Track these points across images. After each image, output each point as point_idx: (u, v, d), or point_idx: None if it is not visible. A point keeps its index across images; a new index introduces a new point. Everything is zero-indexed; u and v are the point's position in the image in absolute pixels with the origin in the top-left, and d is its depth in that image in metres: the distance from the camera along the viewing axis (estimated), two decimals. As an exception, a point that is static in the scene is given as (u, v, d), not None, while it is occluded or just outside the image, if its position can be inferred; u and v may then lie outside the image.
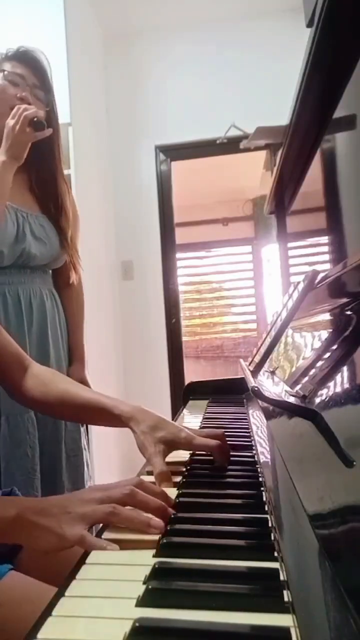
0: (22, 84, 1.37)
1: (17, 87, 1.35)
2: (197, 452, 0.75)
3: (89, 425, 1.65)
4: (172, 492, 0.60)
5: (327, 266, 0.93)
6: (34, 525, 0.52)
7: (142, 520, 0.50)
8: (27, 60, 1.39)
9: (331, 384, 0.45)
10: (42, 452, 1.33)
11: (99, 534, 0.50)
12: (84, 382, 1.52)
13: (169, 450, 0.69)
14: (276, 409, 0.62)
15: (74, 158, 2.29)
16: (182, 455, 0.76)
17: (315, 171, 1.02)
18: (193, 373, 3.71)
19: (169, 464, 0.68)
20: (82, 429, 1.47)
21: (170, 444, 0.69)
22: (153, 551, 0.45)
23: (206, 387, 1.40)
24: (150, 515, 0.51)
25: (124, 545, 0.48)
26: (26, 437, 1.28)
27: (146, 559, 0.43)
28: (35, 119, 1.27)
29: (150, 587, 0.38)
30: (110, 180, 3.05)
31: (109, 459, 2.49)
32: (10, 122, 1.26)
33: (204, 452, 0.73)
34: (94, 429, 2.03)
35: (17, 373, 0.86)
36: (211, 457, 0.71)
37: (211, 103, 2.98)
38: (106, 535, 0.50)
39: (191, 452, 0.75)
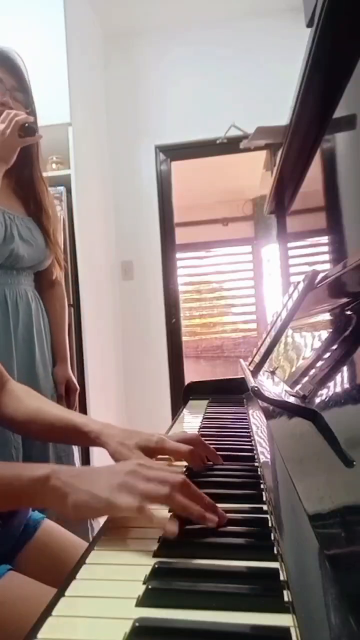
0: (1, 87, 1.35)
1: None
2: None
3: None
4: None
5: (327, 266, 0.93)
6: (70, 488, 0.49)
7: (200, 511, 0.48)
8: (2, 61, 1.36)
9: (331, 384, 0.45)
10: (30, 454, 1.33)
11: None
12: (69, 381, 1.53)
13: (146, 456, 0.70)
14: (276, 409, 0.62)
15: (74, 158, 2.29)
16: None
17: (315, 171, 1.02)
18: (193, 373, 3.71)
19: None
20: None
21: (145, 449, 0.69)
22: (153, 551, 0.45)
23: (206, 387, 1.40)
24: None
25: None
26: (11, 437, 1.28)
27: (146, 559, 0.43)
28: (26, 125, 1.28)
29: (150, 587, 0.38)
30: (110, 180, 3.05)
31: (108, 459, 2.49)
32: (0, 126, 1.26)
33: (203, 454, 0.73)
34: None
35: None
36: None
37: (211, 103, 2.98)
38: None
39: None
